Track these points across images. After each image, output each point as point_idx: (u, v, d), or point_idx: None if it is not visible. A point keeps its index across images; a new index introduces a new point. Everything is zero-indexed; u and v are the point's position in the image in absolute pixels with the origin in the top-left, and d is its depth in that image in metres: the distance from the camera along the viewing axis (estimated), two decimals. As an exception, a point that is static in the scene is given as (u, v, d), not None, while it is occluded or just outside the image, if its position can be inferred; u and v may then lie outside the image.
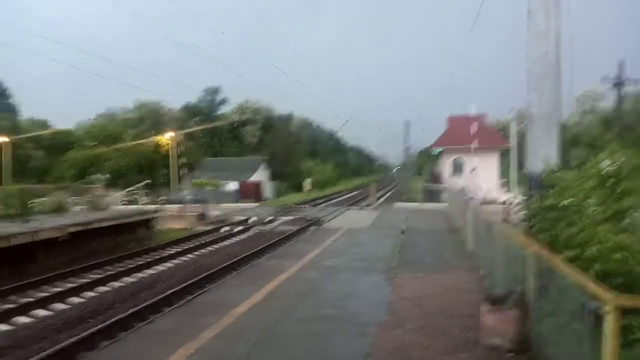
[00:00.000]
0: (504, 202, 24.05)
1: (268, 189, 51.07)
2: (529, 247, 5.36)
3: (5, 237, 13.51)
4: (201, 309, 7.44)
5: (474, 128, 39.41)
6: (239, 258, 15.18)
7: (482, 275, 9.02)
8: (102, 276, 13.56)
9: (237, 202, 39.96)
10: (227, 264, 14.32)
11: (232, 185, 46.78)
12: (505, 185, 42.66)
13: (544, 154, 6.72)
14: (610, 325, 3.32)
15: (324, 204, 40.60)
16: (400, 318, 6.74)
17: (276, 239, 18.88)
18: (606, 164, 5.35)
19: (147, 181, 37.30)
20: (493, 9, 21.28)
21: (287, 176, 61.98)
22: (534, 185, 6.89)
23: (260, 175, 55.42)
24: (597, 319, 3.70)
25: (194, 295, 9.17)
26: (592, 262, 4.64)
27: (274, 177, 59.92)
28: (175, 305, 8.48)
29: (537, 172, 6.86)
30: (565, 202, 5.63)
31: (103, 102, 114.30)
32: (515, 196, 24.07)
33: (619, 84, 27.30)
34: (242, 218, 26.92)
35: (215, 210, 29.10)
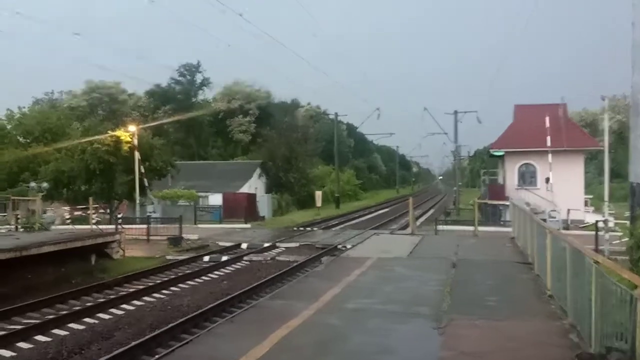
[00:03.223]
0: (595, 225, 24.02)
1: (264, 204, 51.21)
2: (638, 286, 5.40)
3: None
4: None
5: (549, 122, 39.28)
6: (229, 297, 15.30)
7: (569, 324, 9.05)
8: (40, 321, 13.70)
9: (221, 222, 40.24)
10: (212, 305, 14.45)
11: (215, 199, 47.10)
12: (594, 201, 42.47)
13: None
14: None
15: (340, 226, 40.74)
16: (457, 382, 6.79)
17: (278, 273, 19.00)
18: None
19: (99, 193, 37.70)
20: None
21: (290, 186, 62.06)
22: (641, 201, 6.91)
23: (254, 186, 55.72)
24: None
25: (171, 349, 9.26)
26: None
27: (272, 187, 60.18)
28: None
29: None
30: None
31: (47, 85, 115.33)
32: (609, 217, 24.04)
33: None
34: (230, 244, 27.08)
35: (192, 233, 29.30)
